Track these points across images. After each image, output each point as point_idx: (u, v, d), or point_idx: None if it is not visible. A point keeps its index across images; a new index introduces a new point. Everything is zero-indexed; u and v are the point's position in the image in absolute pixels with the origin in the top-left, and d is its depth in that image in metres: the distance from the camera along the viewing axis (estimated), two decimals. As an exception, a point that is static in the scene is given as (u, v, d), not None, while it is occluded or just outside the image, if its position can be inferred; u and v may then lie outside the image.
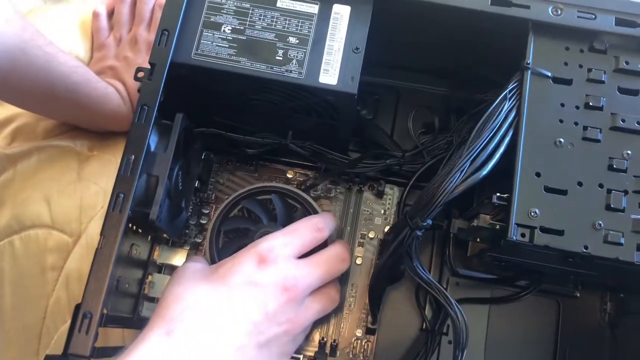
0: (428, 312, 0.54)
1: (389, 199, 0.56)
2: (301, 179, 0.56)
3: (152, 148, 0.43)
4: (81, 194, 0.57)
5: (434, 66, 0.57)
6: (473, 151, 0.40)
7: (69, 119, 0.61)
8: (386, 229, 0.55)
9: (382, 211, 0.56)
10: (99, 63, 0.63)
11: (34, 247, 0.56)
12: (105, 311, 0.39)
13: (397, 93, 0.59)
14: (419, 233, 0.41)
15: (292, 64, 0.43)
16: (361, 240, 0.55)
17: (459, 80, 0.56)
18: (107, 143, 0.61)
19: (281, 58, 0.43)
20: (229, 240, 0.51)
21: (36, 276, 0.56)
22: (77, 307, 0.38)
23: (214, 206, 0.55)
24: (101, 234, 0.39)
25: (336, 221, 0.51)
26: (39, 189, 0.57)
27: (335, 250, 0.47)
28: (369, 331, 0.52)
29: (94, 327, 0.38)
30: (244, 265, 0.43)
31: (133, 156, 0.40)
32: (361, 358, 0.52)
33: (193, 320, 0.40)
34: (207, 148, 0.55)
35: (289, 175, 0.56)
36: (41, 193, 0.57)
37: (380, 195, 0.56)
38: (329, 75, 0.43)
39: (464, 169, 0.40)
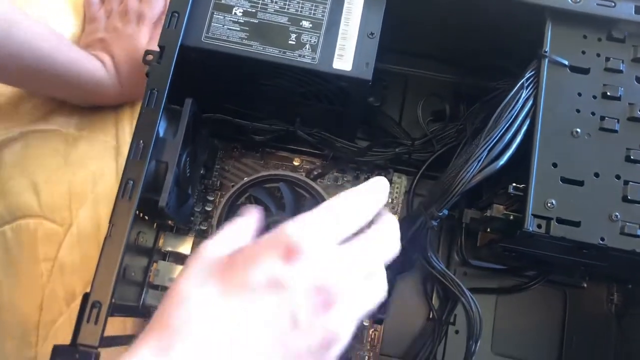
0: (435, 302, 0.53)
1: (397, 188, 0.56)
2: (308, 167, 0.55)
3: (161, 134, 0.42)
4: (69, 180, 0.56)
5: (445, 53, 0.56)
6: (490, 141, 0.40)
7: (54, 94, 0.59)
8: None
9: (390, 200, 0.55)
10: (89, 36, 0.61)
11: (25, 238, 0.55)
12: (112, 300, 0.39)
13: (405, 80, 0.58)
14: (434, 223, 0.40)
15: (306, 48, 0.42)
16: (368, 229, 0.54)
17: (470, 68, 0.55)
18: (93, 121, 0.59)
19: (294, 42, 0.42)
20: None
21: (30, 267, 0.55)
22: (86, 297, 0.37)
23: (219, 193, 0.54)
24: (110, 221, 0.38)
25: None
26: (26, 177, 0.56)
27: (384, 229, 0.36)
28: (376, 320, 0.51)
29: (103, 317, 0.37)
30: (266, 258, 0.32)
31: (142, 142, 0.39)
32: (368, 347, 0.51)
33: (199, 333, 0.30)
34: (212, 134, 0.54)
35: (296, 163, 0.56)
36: (29, 181, 0.56)
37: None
38: (343, 60, 0.42)
39: (481, 159, 0.39)
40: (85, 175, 0.56)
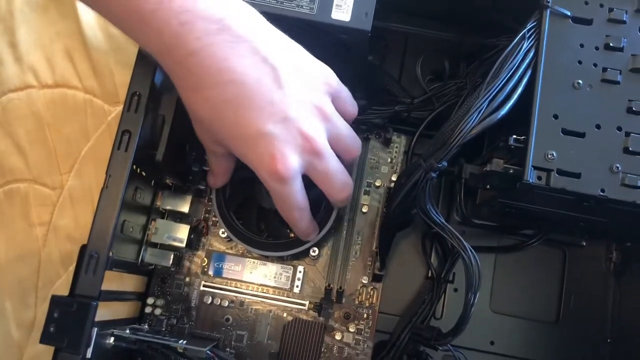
0: (434, 260, 0.53)
1: (396, 147, 0.55)
2: (306, 126, 0.55)
3: (158, 86, 0.41)
4: (53, 142, 0.56)
5: (445, 11, 0.55)
6: (491, 91, 0.39)
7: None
8: (393, 178, 0.54)
9: (389, 159, 0.55)
10: None
11: (18, 201, 0.55)
12: (111, 253, 0.38)
13: (405, 39, 0.57)
14: (433, 175, 0.40)
15: (304, -1, 0.41)
16: (367, 189, 0.54)
17: (470, 26, 0.54)
18: (63, 73, 0.57)
19: (292, -7, 0.41)
20: (235, 190, 0.50)
21: (25, 231, 0.55)
22: (83, 248, 0.37)
23: (217, 153, 0.54)
24: (107, 172, 0.38)
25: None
26: (10, 139, 0.55)
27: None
28: (375, 278, 0.52)
29: (102, 268, 0.37)
30: None
31: (138, 93, 0.39)
32: (367, 305, 0.51)
33: None
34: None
35: (294, 122, 0.55)
36: (14, 143, 0.55)
37: (387, 143, 0.55)
38: (342, 11, 0.41)
39: (481, 110, 0.39)
40: (67, 136, 0.56)
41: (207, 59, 0.37)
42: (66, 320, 0.36)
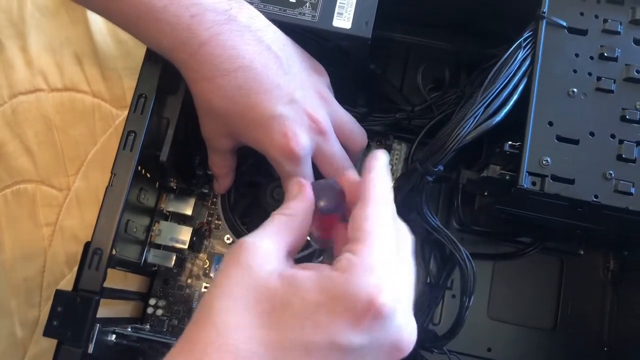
0: (432, 266, 0.54)
1: (397, 155, 0.56)
2: (309, 132, 0.56)
3: (163, 89, 0.42)
4: (61, 144, 0.57)
5: (446, 20, 0.56)
6: (487, 98, 0.40)
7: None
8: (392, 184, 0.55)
9: (390, 166, 0.56)
10: None
11: (25, 202, 0.56)
12: (114, 251, 0.39)
13: (407, 48, 0.58)
14: (429, 178, 0.41)
15: (306, 6, 0.43)
16: (367, 195, 0.55)
17: (471, 35, 0.55)
18: (72, 78, 0.58)
19: (294, 0, 0.43)
20: (241, 195, 0.51)
21: (31, 231, 0.56)
22: (87, 245, 0.38)
23: (221, 157, 0.55)
24: (112, 171, 0.39)
25: None
26: (19, 140, 0.57)
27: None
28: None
29: (104, 264, 0.38)
30: (332, 322, 0.28)
31: (144, 96, 0.40)
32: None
33: None
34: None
35: (297, 128, 0.56)
36: (23, 144, 0.57)
37: (387, 150, 0.56)
38: (343, 19, 0.42)
39: (477, 115, 0.40)
40: (75, 138, 0.57)
41: (217, 47, 0.39)
42: (69, 314, 0.37)
